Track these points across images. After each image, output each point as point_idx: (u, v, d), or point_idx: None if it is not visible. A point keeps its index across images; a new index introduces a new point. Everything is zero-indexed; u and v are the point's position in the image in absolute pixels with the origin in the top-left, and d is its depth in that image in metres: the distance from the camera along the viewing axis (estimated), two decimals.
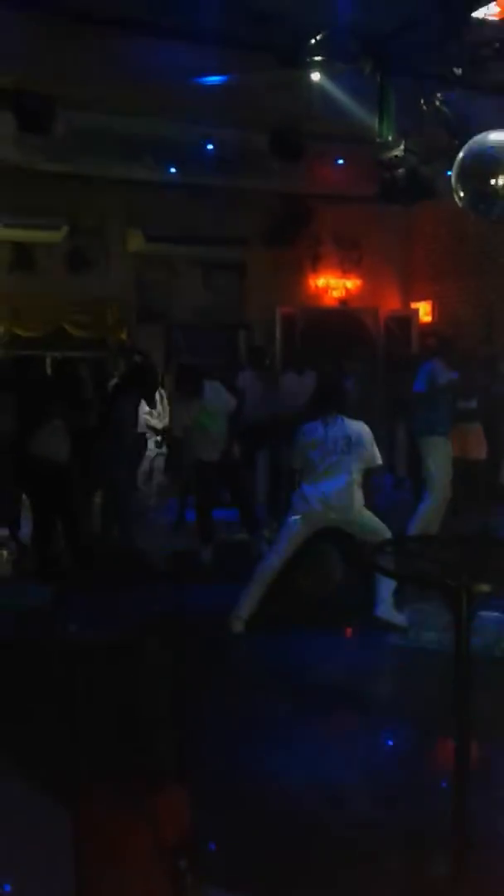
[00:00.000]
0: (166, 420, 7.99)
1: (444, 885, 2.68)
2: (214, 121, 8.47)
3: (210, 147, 9.29)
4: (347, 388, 8.84)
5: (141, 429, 7.55)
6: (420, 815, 3.16)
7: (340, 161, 9.68)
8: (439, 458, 6.76)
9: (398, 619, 5.26)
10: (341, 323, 12.20)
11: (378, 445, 5.35)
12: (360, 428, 5.25)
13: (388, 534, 5.11)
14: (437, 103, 5.98)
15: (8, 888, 2.71)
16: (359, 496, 5.22)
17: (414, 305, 12.64)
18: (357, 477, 5.19)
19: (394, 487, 9.49)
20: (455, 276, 11.98)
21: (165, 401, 8.20)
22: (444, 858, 2.74)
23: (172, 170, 9.78)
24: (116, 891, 2.34)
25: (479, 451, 7.68)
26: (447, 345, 7.35)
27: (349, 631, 5.59)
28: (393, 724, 4.07)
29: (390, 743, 3.95)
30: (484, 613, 4.82)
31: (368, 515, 5.21)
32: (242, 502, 7.36)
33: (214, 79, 7.25)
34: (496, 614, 5.16)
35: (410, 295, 12.80)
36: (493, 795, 3.18)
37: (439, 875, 2.73)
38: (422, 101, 6.14)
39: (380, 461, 5.33)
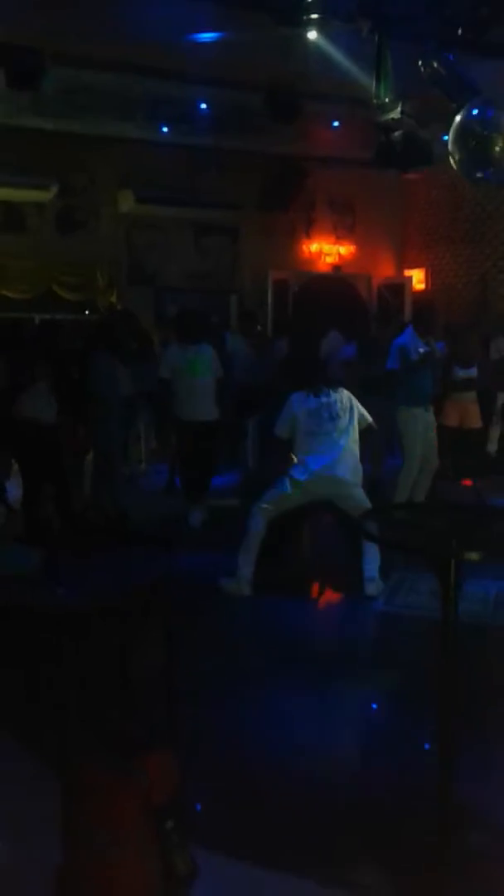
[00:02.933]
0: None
1: (431, 848, 2.73)
2: (209, 80, 8.31)
3: (204, 107, 9.13)
4: (349, 354, 8.82)
5: (129, 390, 7.44)
6: (407, 779, 3.21)
7: (336, 123, 9.54)
8: (413, 429, 6.75)
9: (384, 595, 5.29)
10: (334, 289, 12.14)
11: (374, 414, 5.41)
12: (344, 392, 5.34)
13: None
14: (436, 65, 5.86)
15: None
16: (358, 469, 5.24)
17: (408, 273, 12.57)
18: (356, 443, 5.22)
19: (390, 456, 9.51)
20: (449, 243, 11.91)
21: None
22: (431, 821, 2.78)
23: (165, 129, 9.62)
24: (103, 851, 2.37)
25: (476, 420, 7.68)
26: (424, 314, 7.27)
27: (336, 596, 5.63)
28: (380, 687, 4.12)
29: (375, 706, 4.00)
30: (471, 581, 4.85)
31: (362, 495, 5.22)
32: (203, 465, 7.22)
33: (209, 37, 7.10)
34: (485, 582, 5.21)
35: (404, 262, 12.72)
36: (478, 759, 3.23)
37: (426, 837, 2.77)
38: (420, 63, 6.02)
39: (370, 419, 5.38)
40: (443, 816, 2.75)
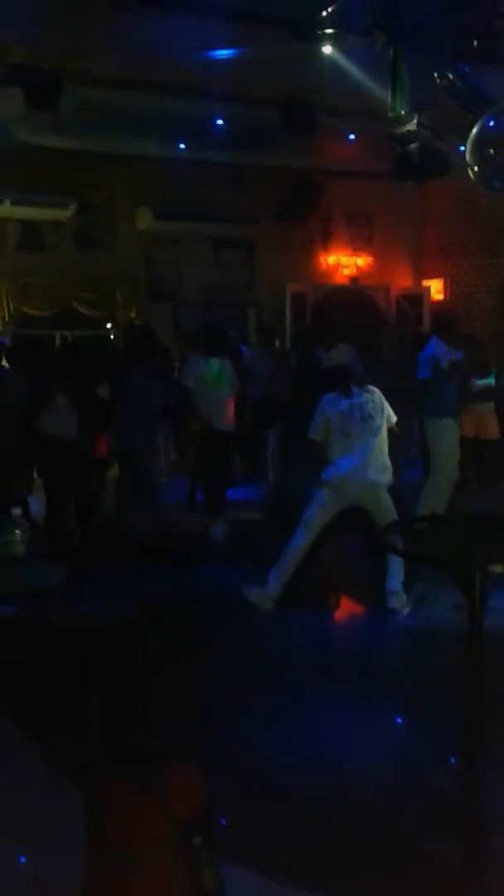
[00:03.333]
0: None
1: (454, 862, 2.70)
2: (224, 96, 8.36)
3: (220, 122, 9.18)
4: (355, 363, 8.79)
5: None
6: (432, 793, 3.18)
7: (352, 136, 9.55)
8: (446, 441, 6.72)
9: (406, 609, 5.26)
10: (353, 301, 12.14)
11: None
12: (376, 392, 5.31)
13: None
14: (451, 77, 5.87)
15: (23, 860, 2.74)
16: (388, 469, 5.21)
17: (426, 283, 12.55)
18: (385, 443, 5.20)
19: (406, 467, 9.47)
20: (467, 254, 11.89)
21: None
22: (455, 834, 2.76)
23: (181, 146, 9.69)
24: (130, 869, 2.36)
25: (493, 430, 7.63)
26: (447, 324, 7.27)
27: (360, 609, 5.60)
28: (403, 702, 4.09)
29: (400, 721, 3.97)
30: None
31: (389, 500, 5.19)
32: (216, 476, 7.27)
33: (224, 53, 7.15)
34: None
35: (422, 272, 12.71)
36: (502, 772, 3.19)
37: (450, 852, 2.74)
38: (435, 75, 6.03)
39: (395, 419, 5.36)
40: (468, 827, 2.72)
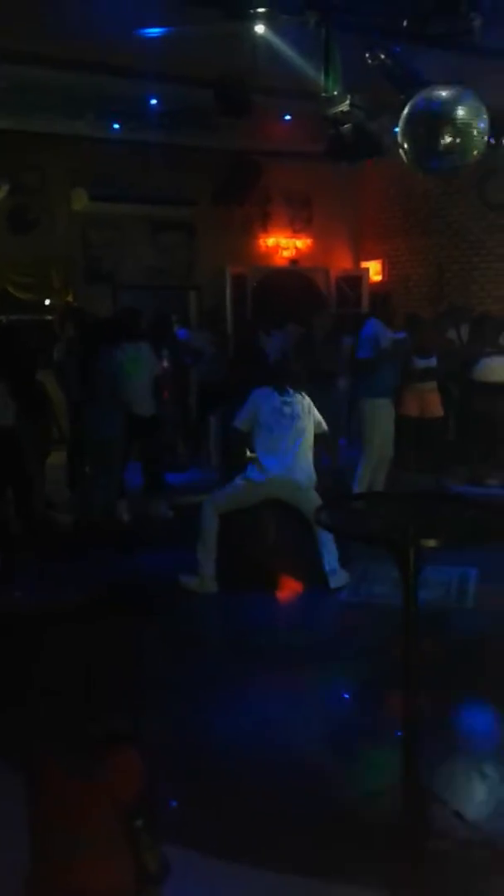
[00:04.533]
0: None
1: (398, 833, 2.76)
2: (158, 76, 8.25)
3: (154, 102, 9.06)
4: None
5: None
6: (374, 764, 3.24)
7: (288, 117, 9.53)
8: (379, 420, 6.82)
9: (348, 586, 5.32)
10: (293, 283, 12.15)
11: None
12: (305, 397, 5.39)
13: None
14: (383, 57, 5.89)
15: None
16: (312, 473, 5.28)
17: (364, 265, 12.63)
18: (310, 448, 5.26)
19: (347, 447, 9.58)
20: (405, 235, 11.99)
21: None
22: (398, 805, 2.81)
23: (116, 126, 9.54)
24: (72, 852, 2.35)
25: (437, 409, 7.75)
26: (384, 304, 7.38)
27: (300, 589, 5.65)
28: (344, 677, 4.15)
29: (345, 696, 4.02)
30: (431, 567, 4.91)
31: (316, 497, 5.23)
32: (149, 460, 7.37)
33: (157, 31, 7.04)
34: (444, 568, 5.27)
35: (361, 254, 12.78)
36: (443, 744, 3.27)
37: (392, 823, 2.80)
38: (367, 55, 6.04)
39: (325, 426, 5.43)
40: (408, 798, 2.78)
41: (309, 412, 5.34)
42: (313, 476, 5.32)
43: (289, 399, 5.27)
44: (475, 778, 3.18)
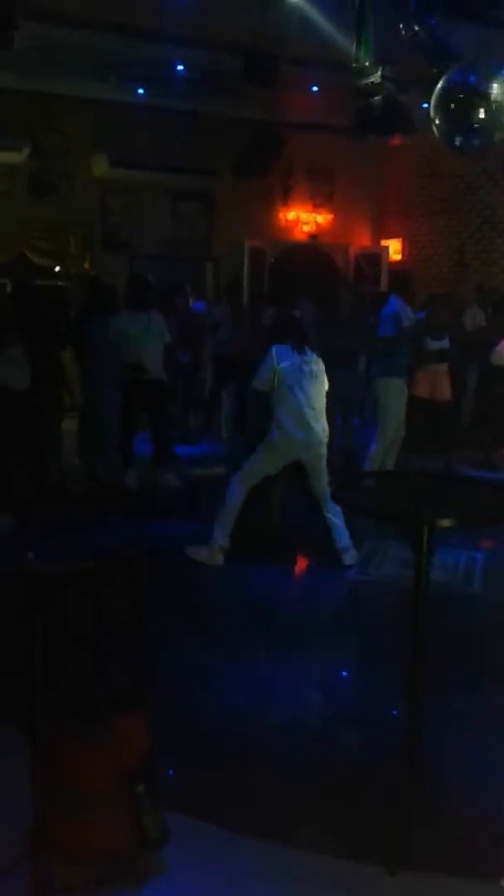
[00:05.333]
0: None
1: (398, 807, 2.76)
2: (186, 41, 8.12)
3: (180, 68, 8.94)
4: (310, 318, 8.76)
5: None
6: (376, 741, 3.24)
7: (315, 89, 9.39)
8: (393, 400, 6.76)
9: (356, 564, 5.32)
10: (312, 259, 12.04)
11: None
12: (319, 359, 5.28)
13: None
14: (417, 29, 5.77)
15: None
16: (327, 429, 5.24)
17: (384, 243, 12.50)
18: (324, 406, 5.21)
19: (360, 426, 9.53)
20: (426, 215, 11.84)
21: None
22: (399, 779, 2.81)
23: (140, 91, 9.42)
24: (74, 812, 2.36)
25: (447, 392, 7.69)
26: (404, 282, 7.28)
27: (309, 565, 5.64)
28: (349, 655, 4.15)
29: (346, 673, 4.02)
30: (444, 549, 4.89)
31: (325, 453, 5.23)
32: (158, 427, 7.29)
33: None
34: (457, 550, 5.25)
35: (381, 232, 12.64)
36: (448, 725, 3.27)
37: (393, 798, 2.80)
38: (401, 27, 5.92)
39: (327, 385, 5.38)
40: (410, 774, 2.78)
41: (323, 371, 5.24)
42: (327, 432, 5.28)
43: (308, 358, 5.18)
44: None
